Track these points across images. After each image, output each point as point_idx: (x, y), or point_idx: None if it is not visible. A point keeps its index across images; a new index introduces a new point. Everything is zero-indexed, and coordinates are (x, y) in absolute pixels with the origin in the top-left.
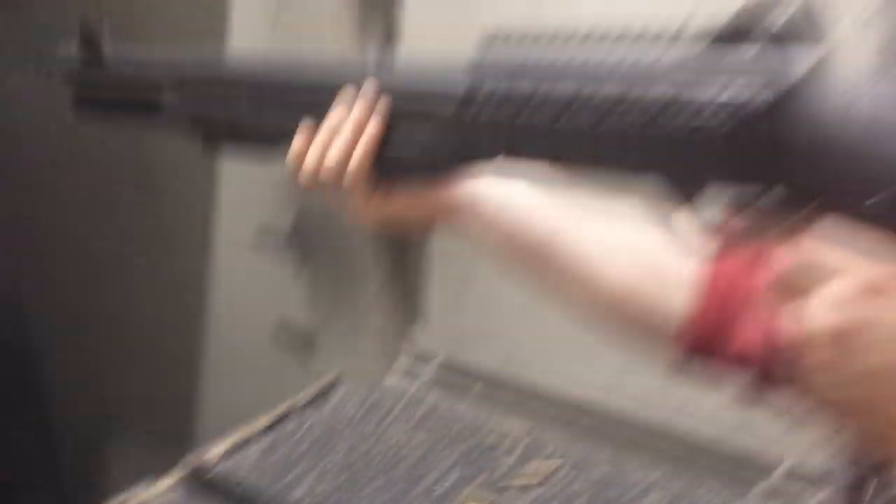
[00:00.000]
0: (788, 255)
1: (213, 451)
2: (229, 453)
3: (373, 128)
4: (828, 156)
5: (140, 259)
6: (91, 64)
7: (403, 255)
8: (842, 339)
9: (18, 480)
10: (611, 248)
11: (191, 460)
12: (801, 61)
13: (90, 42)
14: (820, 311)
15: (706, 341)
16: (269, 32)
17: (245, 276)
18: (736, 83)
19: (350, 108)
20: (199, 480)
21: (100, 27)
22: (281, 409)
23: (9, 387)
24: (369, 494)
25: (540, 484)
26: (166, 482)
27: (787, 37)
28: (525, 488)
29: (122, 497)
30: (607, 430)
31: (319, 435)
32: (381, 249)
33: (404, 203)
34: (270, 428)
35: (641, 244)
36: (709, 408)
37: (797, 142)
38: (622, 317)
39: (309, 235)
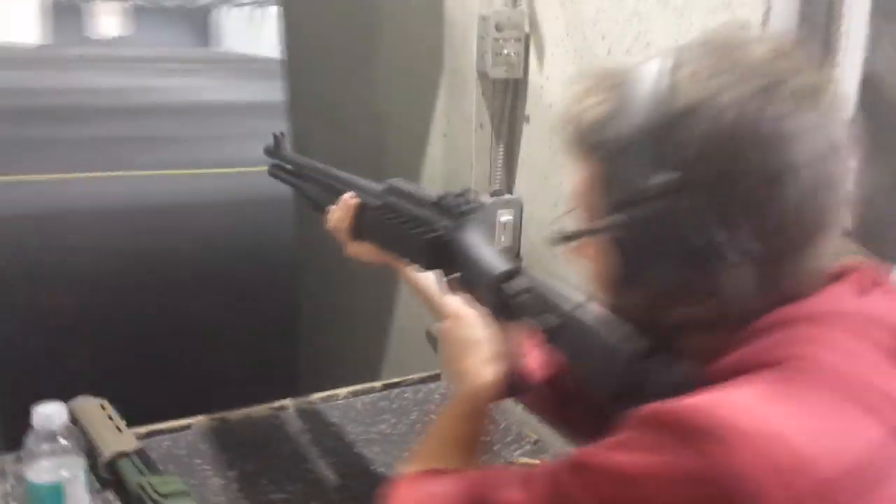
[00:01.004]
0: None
1: (342, 391)
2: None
3: (347, 211)
4: (465, 258)
5: None
6: (277, 152)
7: None
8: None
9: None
10: None
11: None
12: (463, 209)
13: (278, 143)
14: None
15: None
16: None
17: None
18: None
19: (344, 201)
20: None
21: (284, 135)
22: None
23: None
24: None
25: None
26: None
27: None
28: None
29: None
30: None
31: None
32: None
33: (371, 254)
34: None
35: None
36: None
37: (459, 249)
38: None
39: None
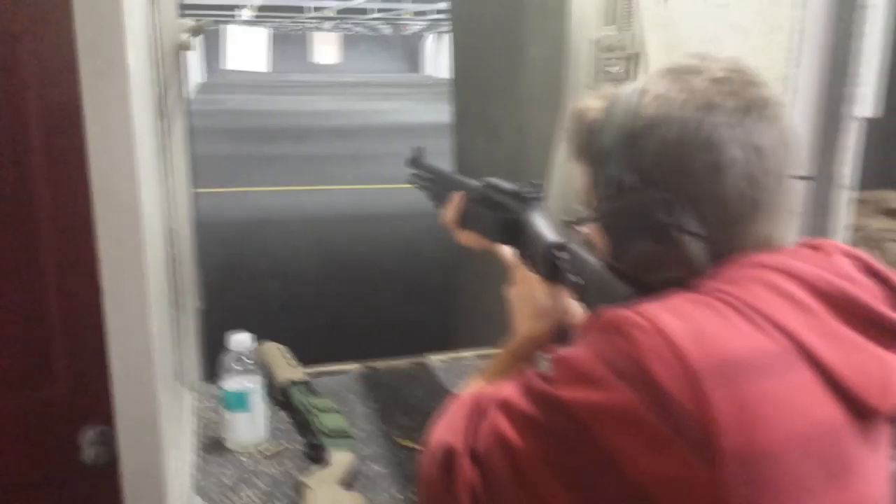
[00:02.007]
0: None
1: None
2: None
3: (455, 205)
4: (528, 233)
5: None
6: (416, 163)
7: None
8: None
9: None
10: None
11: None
12: (530, 196)
13: (416, 155)
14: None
15: None
16: None
17: None
18: (512, 206)
19: (453, 197)
20: None
21: (423, 149)
22: None
23: None
24: None
25: None
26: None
27: (529, 189)
28: None
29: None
30: None
31: None
32: None
33: (474, 240)
34: None
35: None
36: None
37: (526, 226)
38: None
39: None
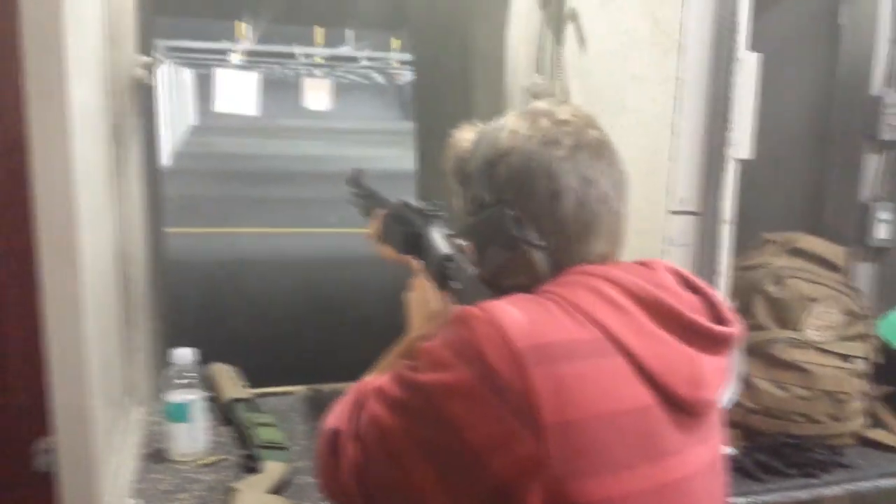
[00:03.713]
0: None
1: None
2: None
3: (376, 221)
4: (426, 245)
5: None
6: (354, 182)
7: None
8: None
9: None
10: None
11: None
12: (430, 213)
13: (355, 176)
14: None
15: None
16: None
17: None
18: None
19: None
20: None
21: (361, 170)
22: None
23: None
24: None
25: None
26: None
27: (431, 207)
28: None
29: None
30: None
31: None
32: None
33: (390, 253)
34: None
35: None
36: None
37: (426, 239)
38: None
39: None
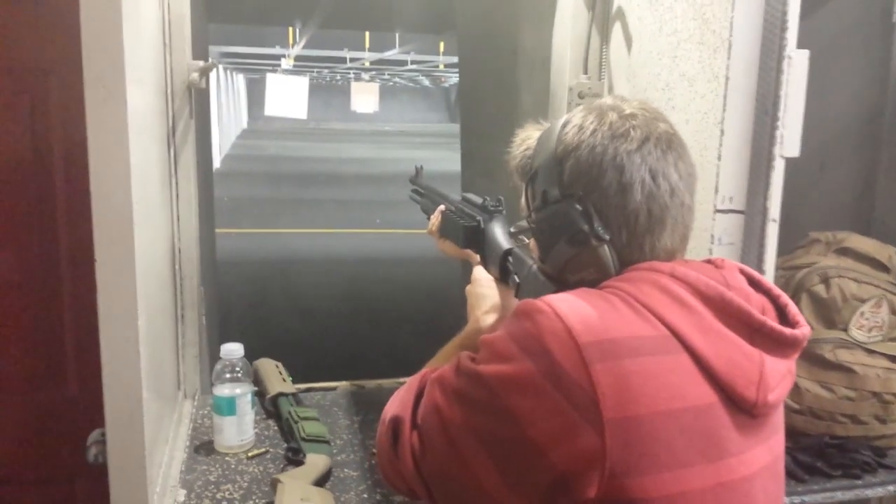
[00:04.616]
0: None
1: None
2: None
3: (437, 216)
4: (488, 240)
5: None
6: (415, 179)
7: None
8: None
9: None
10: None
11: None
12: (492, 208)
13: (417, 173)
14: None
15: None
16: None
17: None
18: (478, 216)
19: (437, 210)
20: None
21: (422, 168)
22: None
23: None
24: None
25: None
26: None
27: (492, 203)
28: None
29: None
30: None
31: None
32: None
33: (450, 248)
34: None
35: None
36: None
37: (487, 234)
38: None
39: None
